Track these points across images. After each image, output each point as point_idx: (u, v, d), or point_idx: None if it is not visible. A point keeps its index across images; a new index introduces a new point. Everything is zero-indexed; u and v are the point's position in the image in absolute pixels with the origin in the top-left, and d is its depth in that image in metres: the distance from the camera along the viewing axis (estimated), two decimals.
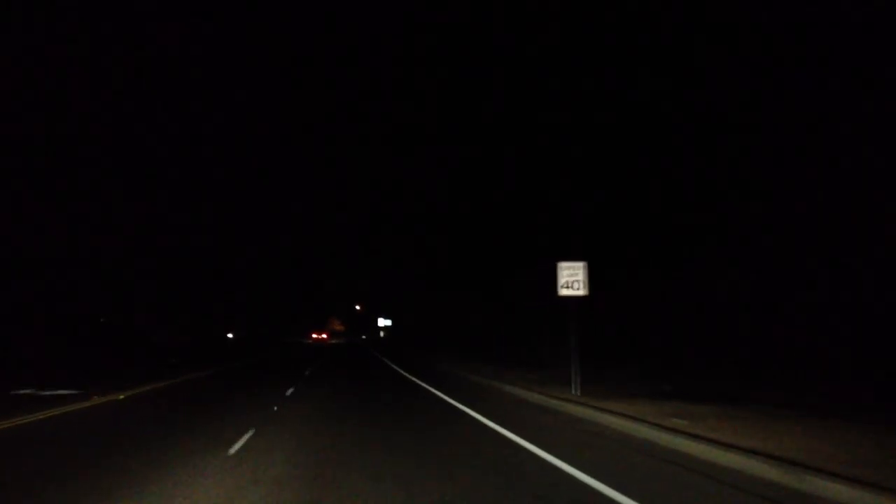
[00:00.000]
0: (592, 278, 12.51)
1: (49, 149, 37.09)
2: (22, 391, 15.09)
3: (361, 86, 71.20)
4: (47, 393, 14.62)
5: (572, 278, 12.45)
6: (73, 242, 38.95)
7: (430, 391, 15.79)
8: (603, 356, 19.31)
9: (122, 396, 14.18)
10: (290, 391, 15.54)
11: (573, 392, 12.54)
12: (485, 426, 9.77)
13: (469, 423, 10.20)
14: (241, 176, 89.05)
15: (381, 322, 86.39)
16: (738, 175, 16.45)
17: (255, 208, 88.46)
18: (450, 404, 12.93)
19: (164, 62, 54.28)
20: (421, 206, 50.04)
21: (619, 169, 20.95)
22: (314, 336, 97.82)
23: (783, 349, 14.84)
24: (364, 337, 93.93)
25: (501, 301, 31.86)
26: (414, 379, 20.01)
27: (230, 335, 76.31)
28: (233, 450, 7.71)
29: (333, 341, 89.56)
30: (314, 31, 66.32)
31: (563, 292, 12.55)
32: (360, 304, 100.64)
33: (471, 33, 34.80)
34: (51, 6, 37.61)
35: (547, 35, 25.65)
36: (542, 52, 26.43)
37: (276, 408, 12.14)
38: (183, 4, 59.02)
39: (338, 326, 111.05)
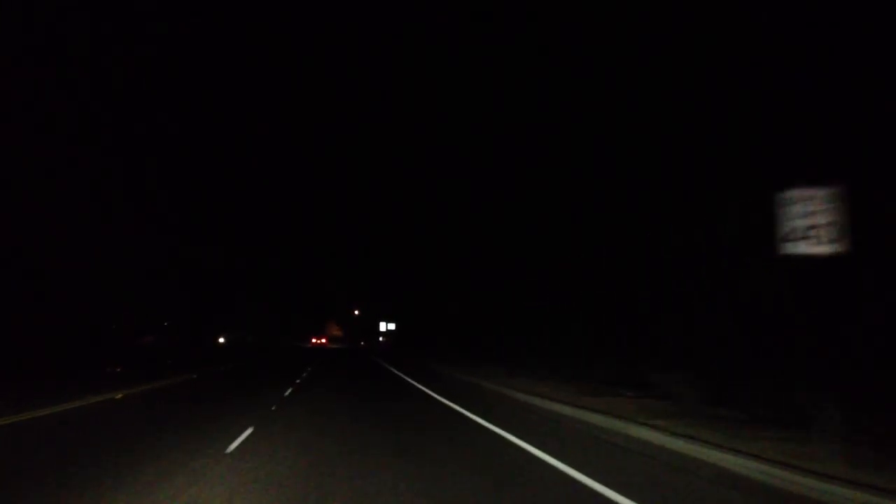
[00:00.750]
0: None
1: (50, 148, 37.10)
2: None
3: (361, 86, 71.32)
4: None
5: (820, 220, 6.67)
6: (71, 243, 38.93)
7: (504, 437, 9.13)
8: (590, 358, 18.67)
9: None
10: (238, 440, 8.58)
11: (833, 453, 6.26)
12: None
13: None
14: (241, 176, 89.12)
15: (383, 326, 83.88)
16: None
17: (255, 208, 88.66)
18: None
19: (164, 62, 54.28)
20: (420, 206, 50.08)
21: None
22: (314, 341, 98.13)
23: None
24: (363, 343, 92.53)
25: (506, 302, 31.72)
26: (461, 410, 12.54)
27: (221, 339, 75.97)
28: None
29: (333, 346, 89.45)
30: (314, 31, 66.37)
31: (799, 249, 6.79)
32: (359, 309, 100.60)
33: (470, 32, 34.80)
34: (51, 6, 37.62)
35: (552, 30, 25.65)
36: (540, 50, 26.41)
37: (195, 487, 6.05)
38: (183, 4, 59.05)
39: (336, 331, 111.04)
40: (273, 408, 12.65)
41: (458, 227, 39.50)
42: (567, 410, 11.55)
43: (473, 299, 38.33)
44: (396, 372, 26.78)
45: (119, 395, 14.62)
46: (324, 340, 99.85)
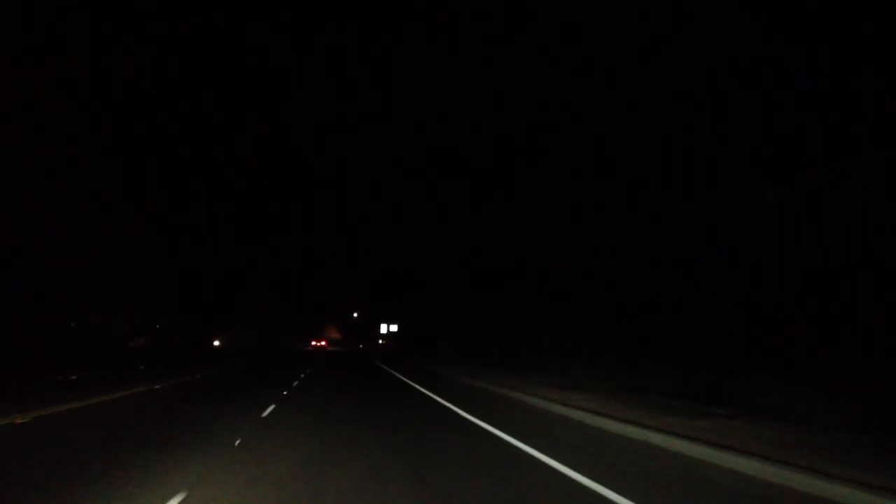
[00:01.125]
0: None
1: (50, 148, 37.13)
2: None
3: (361, 86, 71.35)
4: None
5: None
6: (71, 243, 38.97)
7: None
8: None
9: None
10: None
11: None
12: None
13: None
14: (241, 176, 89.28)
15: (384, 328, 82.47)
16: None
17: (255, 208, 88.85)
18: None
19: (164, 62, 54.31)
20: (420, 206, 50.09)
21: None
22: (314, 343, 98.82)
23: None
24: (361, 346, 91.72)
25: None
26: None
27: (217, 343, 75.72)
28: None
29: (332, 349, 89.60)
30: (314, 31, 66.34)
31: None
32: (359, 309, 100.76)
33: (470, 32, 34.81)
34: (51, 6, 37.63)
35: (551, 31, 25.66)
36: (540, 50, 26.42)
37: None
38: (183, 4, 59.03)
39: (335, 334, 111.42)
40: (237, 442, 7.81)
41: (458, 227, 39.52)
42: (664, 441, 7.46)
43: (473, 299, 38.32)
44: (400, 376, 26.74)
45: (25, 419, 9.80)
46: (323, 343, 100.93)
